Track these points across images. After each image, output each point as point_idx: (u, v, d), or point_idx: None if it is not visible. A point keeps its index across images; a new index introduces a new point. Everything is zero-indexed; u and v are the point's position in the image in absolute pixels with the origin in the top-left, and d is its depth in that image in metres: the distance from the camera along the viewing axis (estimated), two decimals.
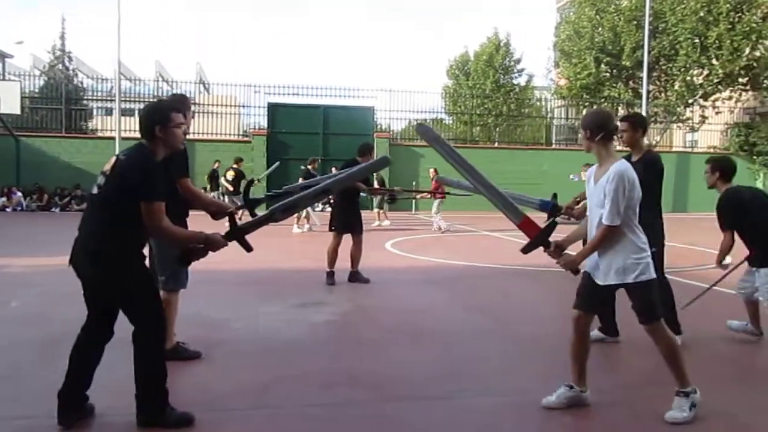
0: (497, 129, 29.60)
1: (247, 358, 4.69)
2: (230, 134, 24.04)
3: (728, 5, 25.14)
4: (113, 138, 21.52)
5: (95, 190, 3.30)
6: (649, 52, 24.56)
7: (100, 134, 25.18)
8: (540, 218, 4.05)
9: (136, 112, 27.90)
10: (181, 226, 3.85)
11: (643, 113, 24.80)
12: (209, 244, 3.38)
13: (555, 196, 4.83)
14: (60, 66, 30.15)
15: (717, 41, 25.19)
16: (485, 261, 9.95)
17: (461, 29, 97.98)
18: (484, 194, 3.78)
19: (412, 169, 23.05)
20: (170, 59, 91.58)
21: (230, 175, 16.15)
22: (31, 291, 7.00)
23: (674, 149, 28.98)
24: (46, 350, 4.70)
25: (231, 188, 16.08)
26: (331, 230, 7.91)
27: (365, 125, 24.00)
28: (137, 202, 3.13)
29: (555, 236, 3.62)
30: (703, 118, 27.42)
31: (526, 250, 3.63)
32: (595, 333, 5.02)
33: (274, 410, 3.65)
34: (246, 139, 24.08)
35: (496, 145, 26.45)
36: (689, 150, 29.01)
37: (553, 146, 28.30)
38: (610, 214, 3.38)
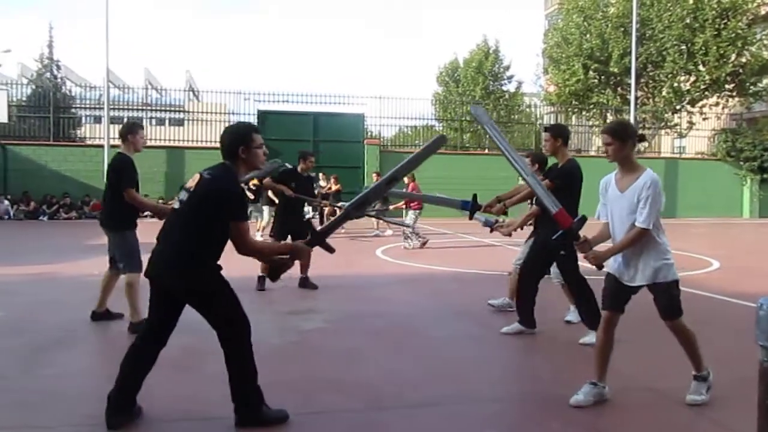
0: (487, 135, 29.65)
1: None
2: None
3: (714, 12, 25.39)
4: (102, 146, 21.41)
5: (177, 205, 3.41)
6: (636, 59, 24.73)
7: (89, 142, 25.01)
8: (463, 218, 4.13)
9: (125, 119, 27.83)
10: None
11: (632, 119, 24.97)
12: (295, 254, 3.56)
13: (475, 196, 5.34)
14: (48, 74, 30.01)
15: (703, 48, 25.41)
16: (473, 267, 9.96)
17: (450, 36, 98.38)
18: (527, 181, 4.05)
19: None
20: (159, 67, 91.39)
21: None
22: (16, 299, 6.93)
23: (662, 155, 29.17)
24: (32, 358, 4.66)
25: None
26: (270, 237, 7.91)
27: (355, 132, 24.00)
28: (222, 220, 3.26)
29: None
30: (691, 124, 27.62)
31: (558, 238, 3.85)
32: (515, 326, 5.53)
33: None
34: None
35: (486, 151, 26.48)
36: (677, 156, 29.18)
37: (543, 152, 28.37)
38: (647, 218, 3.60)
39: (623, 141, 3.72)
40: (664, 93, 27.07)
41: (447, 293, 7.93)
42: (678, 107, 27.27)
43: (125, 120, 27.62)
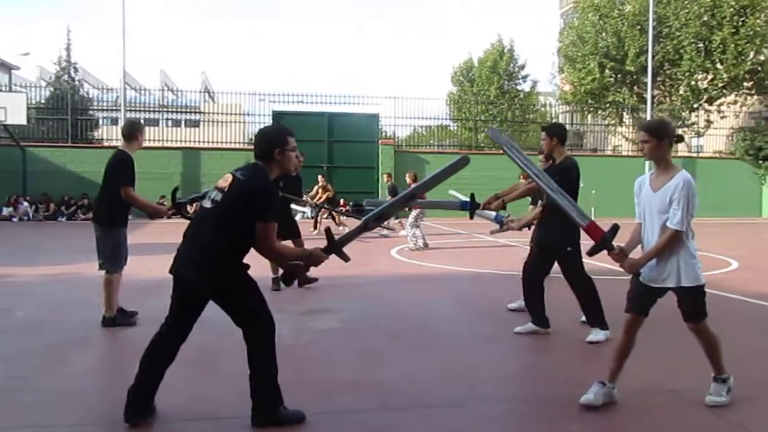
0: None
1: None
2: (236, 142, 24.11)
3: (732, 9, 25.11)
4: (119, 147, 21.58)
5: (209, 204, 3.44)
6: (653, 57, 24.53)
7: (106, 144, 25.24)
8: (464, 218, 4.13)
9: (142, 121, 28.02)
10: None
11: (648, 118, 24.76)
12: (311, 259, 3.58)
13: (473, 195, 5.30)
14: (66, 77, 30.28)
15: (721, 45, 25.14)
16: (489, 267, 9.93)
17: (465, 36, 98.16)
18: (553, 198, 3.97)
19: (417, 177, 23.02)
20: (175, 69, 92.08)
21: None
22: (35, 300, 7.01)
23: (679, 154, 28.86)
24: (50, 358, 4.71)
25: None
26: None
27: (370, 132, 24.02)
28: (252, 220, 3.30)
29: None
30: (709, 122, 27.34)
31: (592, 252, 3.72)
32: (528, 326, 5.54)
33: None
34: (251, 147, 24.14)
35: (501, 151, 26.38)
36: (694, 155, 28.90)
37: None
38: (681, 220, 3.57)
39: (660, 139, 3.68)
40: (681, 91, 26.82)
41: (462, 293, 7.92)
42: (695, 106, 27.00)
43: (142, 122, 27.90)
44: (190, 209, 5.28)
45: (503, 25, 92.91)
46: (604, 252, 3.66)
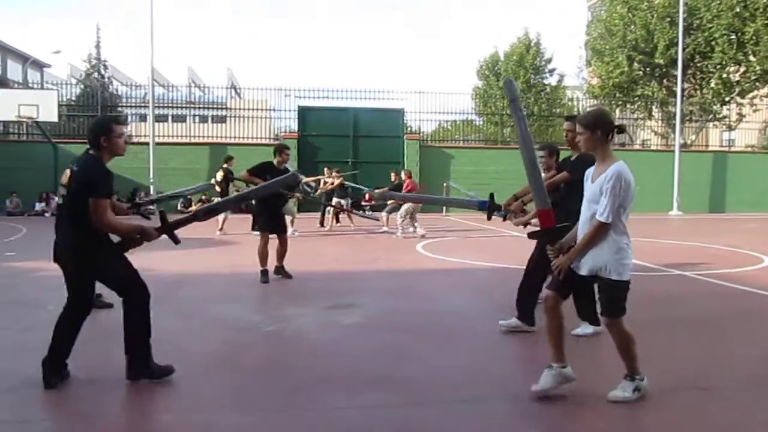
0: (529, 129, 29.28)
1: (277, 360, 4.72)
2: (261, 138, 24.26)
3: (765, 0, 24.54)
4: (147, 143, 21.90)
5: (60, 201, 4.09)
6: (683, 50, 24.10)
7: (134, 140, 25.60)
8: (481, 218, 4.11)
9: (170, 118, 28.40)
10: None
11: (678, 112, 24.39)
12: (144, 235, 4.03)
13: (492, 195, 5.31)
14: (96, 74, 30.79)
15: (754, 37, 24.59)
16: (514, 262, 9.83)
17: (491, 30, 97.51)
18: (526, 169, 3.92)
19: (443, 171, 22.99)
20: (202, 65, 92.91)
21: (219, 175, 14.75)
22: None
23: (710, 148, 28.38)
24: (82, 351, 4.78)
25: (219, 190, 14.53)
26: (253, 230, 8.11)
27: (395, 127, 24.00)
28: (87, 198, 3.82)
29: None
30: (741, 116, 26.77)
31: (532, 235, 3.94)
32: (513, 321, 5.49)
33: (302, 412, 3.67)
34: (277, 142, 24.29)
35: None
36: (726, 149, 28.37)
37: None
38: (605, 212, 3.56)
39: (592, 131, 3.69)
40: (712, 84, 26.31)
41: (488, 288, 7.87)
42: (727, 99, 26.46)
43: (170, 118, 28.25)
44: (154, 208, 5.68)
45: (530, 18, 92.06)
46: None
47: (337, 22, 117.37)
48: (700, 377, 4.29)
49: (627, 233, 3.67)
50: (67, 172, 3.96)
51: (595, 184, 3.67)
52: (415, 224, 13.99)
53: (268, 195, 7.49)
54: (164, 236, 4.17)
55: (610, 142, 3.72)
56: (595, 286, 3.88)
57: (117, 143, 4.02)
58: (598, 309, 3.95)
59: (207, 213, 4.50)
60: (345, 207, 15.55)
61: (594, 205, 3.64)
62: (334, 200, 15.66)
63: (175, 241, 4.25)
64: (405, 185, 14.55)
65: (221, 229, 14.00)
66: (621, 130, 3.81)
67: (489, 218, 5.54)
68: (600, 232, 3.59)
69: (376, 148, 23.40)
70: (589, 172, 3.84)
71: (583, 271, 3.71)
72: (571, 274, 3.75)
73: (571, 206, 4.41)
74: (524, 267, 5.76)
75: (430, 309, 6.58)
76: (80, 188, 3.85)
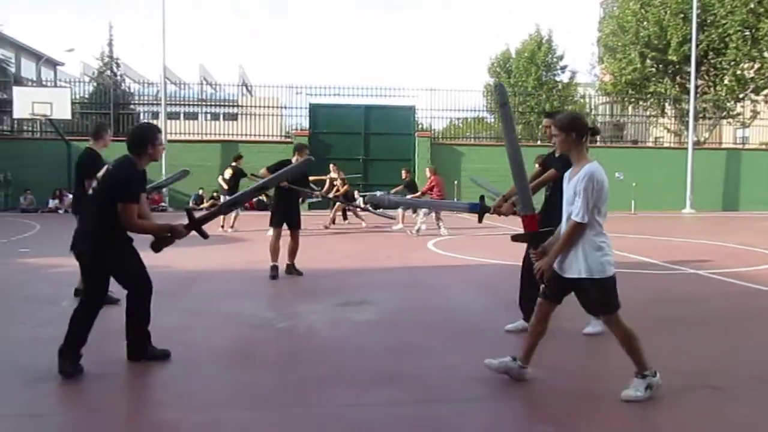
0: (540, 127, 29.24)
1: (288, 356, 4.74)
2: (273, 135, 24.32)
3: None
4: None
5: (92, 192, 4.57)
6: (697, 46, 23.91)
7: None
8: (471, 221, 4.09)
9: (182, 115, 28.51)
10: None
11: (691, 109, 24.21)
12: (174, 233, 4.29)
13: (482, 198, 5.37)
14: (108, 72, 30.97)
15: None
16: None
17: (503, 27, 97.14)
18: (513, 172, 4.07)
19: (453, 169, 22.95)
20: (214, 63, 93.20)
21: (228, 173, 14.68)
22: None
23: (723, 146, 28.17)
24: (95, 347, 4.82)
25: (226, 187, 14.50)
26: (270, 226, 8.27)
27: (406, 125, 23.98)
28: (116, 202, 4.06)
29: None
30: (755, 113, 26.54)
31: (516, 238, 4.09)
32: (520, 323, 5.43)
33: (313, 409, 3.67)
34: (288, 140, 24.31)
35: (539, 143, 26.08)
36: (740, 146, 28.14)
37: (598, 144, 27.80)
38: (579, 211, 3.63)
39: (567, 133, 3.76)
40: (726, 81, 26.10)
41: (500, 286, 7.85)
42: (741, 96, 26.24)
43: (182, 116, 28.37)
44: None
45: (541, 15, 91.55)
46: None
47: (348, 21, 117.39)
48: (713, 376, 4.26)
49: (604, 232, 3.74)
50: (105, 168, 4.27)
51: (570, 185, 3.76)
52: (440, 223, 14.02)
53: (284, 191, 7.77)
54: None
55: (584, 143, 3.80)
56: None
57: (158, 151, 4.36)
58: (594, 310, 3.96)
59: (230, 206, 4.79)
60: (358, 206, 15.58)
61: (570, 207, 3.72)
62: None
63: (204, 236, 4.46)
64: (429, 182, 14.51)
65: (232, 227, 14.08)
66: (595, 132, 3.93)
67: (480, 221, 5.54)
68: (576, 232, 3.66)
69: (387, 146, 23.40)
70: (568, 172, 3.90)
71: (568, 273, 3.76)
72: (558, 278, 3.81)
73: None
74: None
75: (441, 306, 6.58)
76: (112, 188, 4.13)
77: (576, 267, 3.71)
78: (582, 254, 3.68)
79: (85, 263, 4.21)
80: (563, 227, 3.81)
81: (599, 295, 3.73)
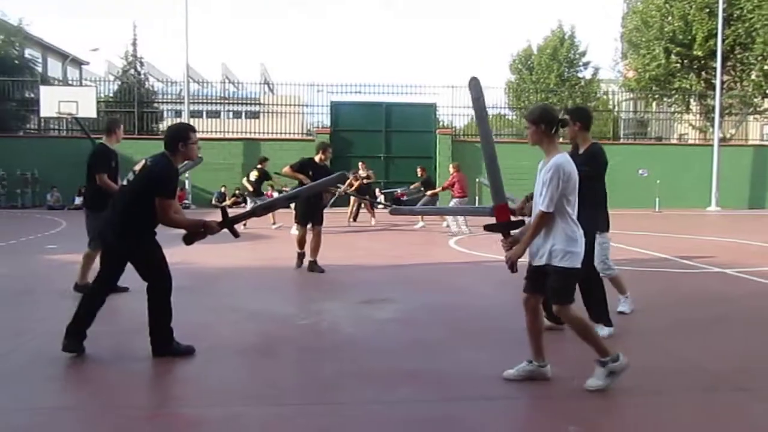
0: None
1: (311, 353, 4.75)
2: (294, 133, 24.42)
3: None
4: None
5: (126, 182, 4.48)
6: (723, 41, 23.53)
7: None
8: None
9: (204, 113, 28.74)
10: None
11: (717, 105, 23.84)
12: (207, 229, 4.42)
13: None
14: (132, 71, 31.28)
15: None
16: None
17: (525, 23, 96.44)
18: (486, 166, 4.19)
19: (475, 166, 22.85)
20: (236, 61, 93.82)
21: (253, 175, 14.90)
22: None
23: (750, 142, 27.71)
24: (121, 342, 4.89)
25: (251, 189, 14.80)
26: (295, 222, 8.53)
27: (427, 122, 23.95)
28: (153, 197, 4.21)
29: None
30: None
31: (488, 228, 4.16)
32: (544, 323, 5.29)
33: (336, 406, 3.68)
34: (310, 137, 24.40)
35: (561, 140, 25.88)
36: (766, 143, 27.65)
37: (621, 140, 27.51)
38: (544, 201, 3.70)
39: (536, 125, 3.83)
40: (753, 76, 25.67)
41: (522, 284, 7.81)
42: None
43: (204, 114, 28.60)
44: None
45: (564, 11, 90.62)
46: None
47: (369, 19, 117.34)
48: (740, 377, 4.20)
49: (576, 222, 3.78)
50: (142, 162, 4.37)
51: (540, 175, 3.83)
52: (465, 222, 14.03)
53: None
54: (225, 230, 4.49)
55: (554, 135, 3.84)
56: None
57: (192, 150, 4.44)
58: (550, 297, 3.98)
59: (265, 209, 4.93)
60: (370, 200, 15.60)
61: (539, 198, 3.79)
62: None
63: (235, 234, 4.55)
64: (451, 178, 14.40)
65: (245, 225, 14.15)
66: (564, 124, 4.00)
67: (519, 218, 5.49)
68: (542, 221, 3.73)
69: (408, 143, 23.38)
70: (540, 164, 3.96)
71: (537, 261, 3.83)
72: (535, 270, 3.88)
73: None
74: None
75: (464, 304, 6.56)
76: (149, 183, 4.25)
77: (545, 256, 3.78)
78: (550, 243, 3.76)
79: (109, 243, 4.39)
80: (533, 219, 3.88)
81: (556, 284, 3.78)
